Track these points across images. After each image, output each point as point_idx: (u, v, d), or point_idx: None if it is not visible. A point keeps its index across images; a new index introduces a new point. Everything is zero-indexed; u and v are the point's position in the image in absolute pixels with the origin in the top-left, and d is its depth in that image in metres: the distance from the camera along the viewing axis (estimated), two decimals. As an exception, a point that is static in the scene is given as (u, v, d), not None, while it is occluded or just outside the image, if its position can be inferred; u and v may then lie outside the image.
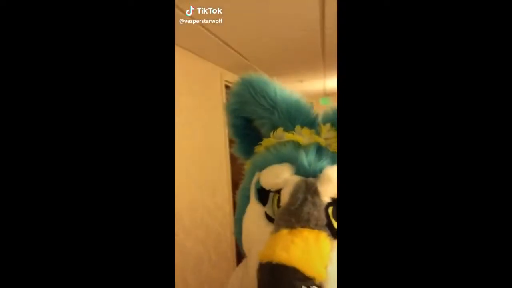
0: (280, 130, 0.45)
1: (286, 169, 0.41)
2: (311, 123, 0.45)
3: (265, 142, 0.46)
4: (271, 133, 0.46)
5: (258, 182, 0.44)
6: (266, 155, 0.45)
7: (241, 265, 0.52)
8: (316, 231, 0.36)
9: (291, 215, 0.37)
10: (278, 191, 0.41)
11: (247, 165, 0.50)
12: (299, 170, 0.40)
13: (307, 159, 0.40)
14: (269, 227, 0.40)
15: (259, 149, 0.48)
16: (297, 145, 0.42)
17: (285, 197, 0.39)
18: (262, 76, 0.47)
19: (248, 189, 0.46)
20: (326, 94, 3.81)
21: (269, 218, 0.41)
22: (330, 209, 0.38)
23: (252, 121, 0.49)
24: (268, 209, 0.42)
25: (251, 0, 1.06)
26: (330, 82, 3.03)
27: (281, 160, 0.42)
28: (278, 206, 0.40)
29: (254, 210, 0.43)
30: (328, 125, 0.43)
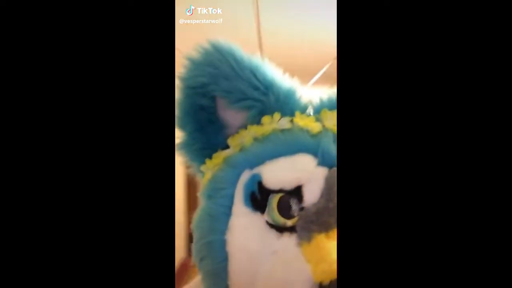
0: (277, 115, 0.36)
1: (308, 160, 0.33)
2: (304, 110, 0.38)
3: (254, 129, 0.36)
4: (264, 119, 0.36)
5: (252, 182, 0.34)
6: (263, 146, 0.35)
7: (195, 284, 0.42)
8: None
9: (329, 214, 0.30)
10: (285, 191, 0.32)
11: (213, 164, 0.38)
12: (323, 161, 0.32)
13: (331, 148, 0.33)
14: (281, 241, 0.31)
15: (236, 141, 0.37)
16: (307, 134, 0.35)
17: (314, 194, 0.31)
18: (237, 46, 0.38)
19: (226, 197, 0.35)
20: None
21: (276, 228, 0.32)
22: None
23: (215, 104, 0.38)
24: (268, 216, 0.32)
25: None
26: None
27: (294, 150, 0.34)
28: (282, 209, 0.32)
29: (250, 222, 0.33)
30: (335, 111, 0.36)
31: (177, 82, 0.38)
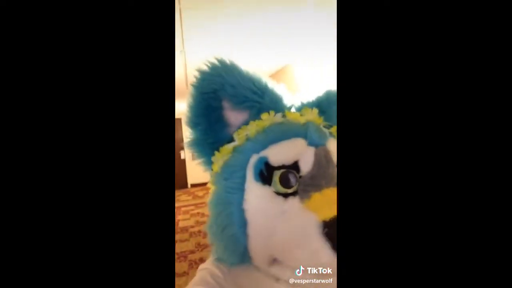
0: (273, 112, 0.47)
1: (301, 142, 0.44)
2: (289, 109, 0.51)
3: (256, 123, 0.47)
4: (263, 115, 0.47)
5: (260, 162, 0.43)
6: (265, 135, 0.45)
7: (211, 264, 0.47)
8: (335, 187, 0.41)
9: (320, 179, 0.41)
10: (287, 166, 0.42)
11: (222, 155, 0.47)
12: (311, 142, 0.44)
13: (315, 132, 0.44)
14: (287, 203, 0.41)
15: (241, 134, 0.47)
16: (297, 124, 0.47)
17: (307, 165, 0.42)
18: (235, 61, 0.48)
19: (240, 177, 0.44)
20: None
21: (282, 195, 0.41)
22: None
23: (222, 106, 0.48)
24: (274, 187, 0.42)
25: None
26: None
27: (289, 136, 0.45)
28: (283, 182, 0.42)
29: (261, 193, 0.42)
30: (315, 109, 0.50)
31: (191, 89, 0.48)
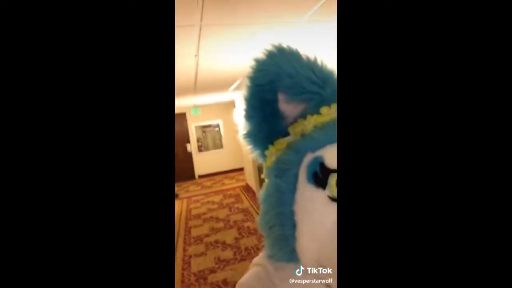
0: (334, 106, 0.41)
1: None
2: None
3: (314, 118, 0.42)
4: (323, 110, 0.42)
5: (314, 163, 0.39)
6: (323, 133, 0.40)
7: (264, 259, 0.45)
8: None
9: None
10: None
11: (276, 149, 0.44)
12: None
13: None
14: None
15: (297, 129, 0.43)
16: None
17: None
18: (297, 49, 0.44)
19: (292, 176, 0.41)
20: (195, 106, 5.80)
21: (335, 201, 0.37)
22: None
23: (277, 99, 0.44)
24: (329, 191, 0.38)
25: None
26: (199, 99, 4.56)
27: None
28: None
29: (313, 196, 0.38)
30: None
31: (246, 81, 0.45)
